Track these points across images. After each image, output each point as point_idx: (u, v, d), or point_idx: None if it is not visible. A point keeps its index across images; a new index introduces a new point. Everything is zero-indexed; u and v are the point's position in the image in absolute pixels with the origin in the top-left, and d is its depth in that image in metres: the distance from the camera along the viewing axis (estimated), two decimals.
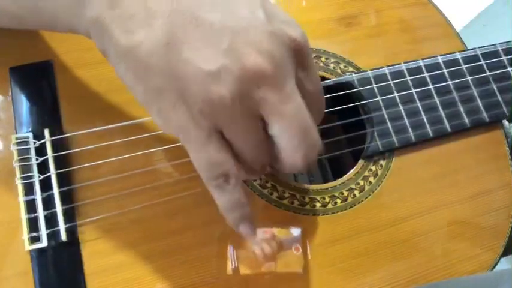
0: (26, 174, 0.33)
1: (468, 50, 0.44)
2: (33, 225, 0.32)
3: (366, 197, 0.37)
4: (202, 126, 0.25)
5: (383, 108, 0.40)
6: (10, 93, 0.35)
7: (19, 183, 0.33)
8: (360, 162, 0.39)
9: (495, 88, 0.42)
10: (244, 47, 0.24)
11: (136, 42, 0.24)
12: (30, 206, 0.32)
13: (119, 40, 0.24)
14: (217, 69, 0.24)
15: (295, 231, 0.35)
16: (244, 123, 0.25)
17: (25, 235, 0.32)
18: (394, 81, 0.41)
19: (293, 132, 0.26)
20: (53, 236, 0.32)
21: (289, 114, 0.25)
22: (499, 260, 0.37)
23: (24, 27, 0.31)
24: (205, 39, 0.24)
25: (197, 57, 0.24)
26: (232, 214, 0.28)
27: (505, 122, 0.42)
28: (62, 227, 0.32)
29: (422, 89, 0.41)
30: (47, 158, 0.33)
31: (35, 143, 0.34)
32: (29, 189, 0.33)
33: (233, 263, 0.33)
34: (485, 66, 0.42)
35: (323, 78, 0.41)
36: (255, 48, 0.24)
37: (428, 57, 0.42)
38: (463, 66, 0.42)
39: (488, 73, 0.42)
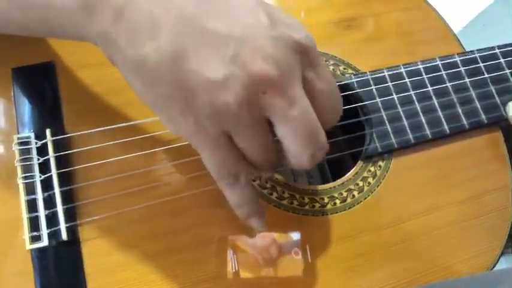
0: (27, 174, 0.33)
1: (466, 52, 0.44)
2: (34, 224, 0.32)
3: (365, 198, 0.38)
4: (210, 132, 0.26)
5: (382, 109, 0.40)
6: (12, 94, 0.36)
7: (20, 183, 0.33)
8: (359, 163, 0.39)
9: (493, 90, 0.42)
10: (249, 54, 0.25)
11: (143, 54, 0.24)
12: (31, 206, 0.33)
13: (125, 53, 0.25)
14: (223, 77, 0.24)
15: (295, 236, 0.35)
16: (251, 128, 0.26)
17: (26, 234, 0.32)
18: (393, 83, 0.41)
19: (299, 135, 0.26)
20: (53, 235, 0.32)
21: (296, 118, 0.26)
22: (498, 260, 0.37)
23: (32, 35, 0.32)
24: (211, 48, 0.24)
25: (203, 67, 0.24)
26: (243, 209, 0.30)
27: (508, 108, 0.42)
28: (62, 226, 0.32)
29: (421, 90, 0.41)
30: (49, 158, 0.34)
31: (36, 143, 0.34)
32: (30, 188, 0.33)
33: (233, 266, 0.33)
34: (483, 68, 0.43)
35: None
36: (259, 55, 0.25)
37: (427, 60, 0.42)
38: (462, 69, 0.43)
39: (486, 75, 0.43)
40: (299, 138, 0.26)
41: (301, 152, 0.27)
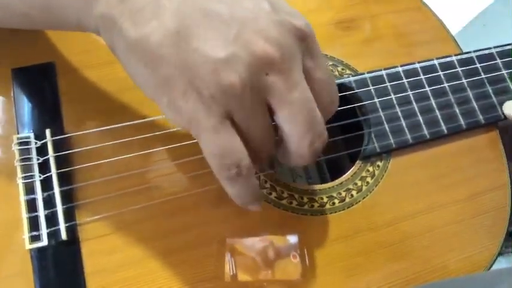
0: (27, 174, 0.33)
1: (463, 53, 0.44)
2: (33, 224, 0.32)
3: (364, 197, 0.38)
4: (213, 112, 0.25)
5: (380, 109, 0.40)
6: (12, 94, 0.36)
7: (20, 183, 0.33)
8: (358, 163, 0.39)
9: (490, 90, 0.43)
10: (252, 35, 0.25)
11: (146, 33, 0.25)
12: (31, 205, 0.33)
13: (128, 33, 0.25)
14: (226, 56, 0.24)
15: (292, 239, 0.35)
16: (253, 108, 0.26)
17: (25, 234, 0.32)
18: (391, 83, 0.41)
19: (300, 119, 0.26)
20: (53, 235, 0.32)
21: (296, 102, 0.26)
22: (496, 259, 0.37)
23: (34, 27, 0.32)
24: (214, 29, 0.25)
25: (206, 46, 0.24)
26: (243, 200, 0.29)
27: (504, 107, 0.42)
28: (62, 226, 0.32)
29: (419, 91, 0.41)
30: (48, 158, 0.34)
31: (36, 143, 0.34)
32: (30, 188, 0.33)
33: (231, 269, 0.33)
34: (480, 68, 0.43)
35: None
36: (262, 36, 0.25)
37: (425, 60, 0.43)
38: (459, 69, 0.43)
39: (483, 75, 0.43)
40: (299, 123, 0.26)
41: (300, 137, 0.27)
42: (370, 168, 0.39)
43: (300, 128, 0.27)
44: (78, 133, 0.35)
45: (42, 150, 0.34)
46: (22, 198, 0.33)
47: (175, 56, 0.25)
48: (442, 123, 0.41)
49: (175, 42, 0.24)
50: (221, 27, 0.25)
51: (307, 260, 0.34)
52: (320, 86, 0.28)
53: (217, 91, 0.25)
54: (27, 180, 0.33)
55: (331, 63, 0.42)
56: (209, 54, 0.24)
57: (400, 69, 0.42)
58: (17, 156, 0.33)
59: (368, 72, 0.41)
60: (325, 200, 0.37)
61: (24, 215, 0.32)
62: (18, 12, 0.30)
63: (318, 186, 0.38)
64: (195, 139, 0.27)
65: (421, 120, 0.40)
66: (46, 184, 0.33)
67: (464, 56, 0.44)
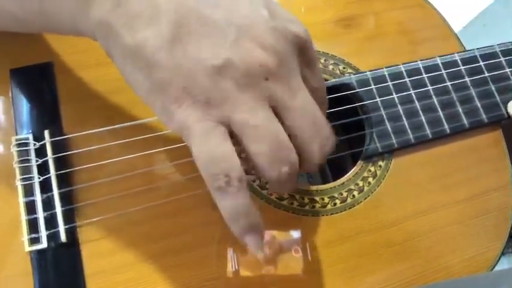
0: (26, 176, 0.33)
1: (466, 51, 0.44)
2: (33, 226, 0.32)
3: (365, 198, 0.37)
4: (207, 116, 0.25)
5: (382, 109, 0.40)
6: (10, 95, 0.36)
7: (19, 185, 0.33)
8: (359, 163, 0.39)
9: (493, 89, 0.42)
10: (248, 42, 0.25)
11: (142, 39, 0.24)
12: (30, 207, 0.32)
13: (124, 39, 0.25)
14: (222, 63, 0.24)
15: (295, 234, 0.35)
16: (254, 111, 0.25)
17: (25, 236, 0.32)
18: (393, 82, 0.41)
19: (306, 124, 0.26)
20: (52, 237, 0.32)
21: (299, 108, 0.26)
22: (499, 259, 0.37)
23: (30, 31, 0.32)
24: (210, 35, 0.25)
25: (202, 53, 0.24)
26: (237, 223, 0.25)
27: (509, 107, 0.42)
28: (61, 228, 0.32)
29: (421, 90, 0.41)
30: (47, 160, 0.33)
31: (35, 144, 0.34)
32: (28, 190, 0.33)
33: (233, 264, 0.33)
34: (483, 67, 0.43)
35: None
36: (259, 43, 0.25)
37: (427, 59, 0.42)
38: (462, 67, 0.42)
39: (486, 74, 0.42)
40: (306, 127, 0.26)
41: (310, 142, 0.27)
42: (372, 168, 0.39)
43: (308, 132, 0.26)
44: (77, 134, 0.35)
45: (41, 152, 0.34)
46: (21, 200, 0.32)
47: (170, 62, 0.24)
48: (445, 123, 0.40)
49: (171, 48, 0.24)
50: (217, 34, 0.25)
51: (309, 256, 0.34)
52: (315, 95, 0.28)
53: (212, 97, 0.24)
54: (26, 182, 0.33)
55: (332, 61, 0.42)
56: (205, 61, 0.24)
57: (402, 67, 0.41)
58: (16, 158, 0.33)
59: (370, 71, 0.41)
60: (327, 200, 0.37)
61: (24, 217, 0.32)
62: (14, 16, 0.29)
63: (319, 187, 0.37)
64: None
65: (424, 120, 0.40)
66: (45, 186, 0.33)
67: (467, 54, 0.43)
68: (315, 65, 0.28)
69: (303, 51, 0.27)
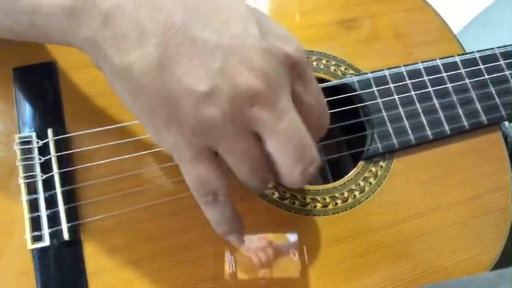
0: (29, 174, 0.33)
1: (466, 53, 0.44)
2: (35, 224, 0.32)
3: (366, 198, 0.38)
4: (192, 145, 0.25)
5: (383, 110, 0.40)
6: (14, 94, 0.36)
7: (22, 183, 0.33)
8: (360, 163, 0.39)
9: (493, 91, 0.43)
10: (236, 65, 0.24)
11: (130, 62, 0.24)
12: (33, 205, 0.32)
13: (112, 60, 0.25)
14: (208, 89, 0.24)
15: (292, 237, 0.35)
16: (237, 140, 0.25)
17: (28, 234, 0.32)
18: (394, 83, 0.41)
19: (289, 149, 0.26)
20: (55, 235, 0.32)
21: (284, 132, 0.25)
22: (498, 260, 0.37)
23: (24, 40, 0.32)
24: (198, 58, 0.24)
25: (189, 77, 0.24)
26: (221, 227, 0.29)
27: (506, 123, 0.43)
28: (64, 226, 0.32)
29: (422, 91, 0.41)
30: (50, 158, 0.34)
31: (38, 142, 0.34)
32: (31, 188, 0.33)
33: (231, 267, 0.33)
34: (483, 69, 0.43)
35: (323, 81, 0.41)
36: (247, 67, 0.24)
37: (428, 60, 0.43)
38: (462, 69, 0.43)
39: (486, 76, 0.43)
40: (289, 152, 0.26)
41: (292, 167, 0.26)
42: (373, 169, 0.39)
43: (289, 158, 0.26)
44: (80, 133, 0.35)
45: (44, 150, 0.34)
46: (24, 198, 0.32)
47: (157, 86, 0.24)
48: (445, 124, 0.41)
49: (158, 72, 0.24)
50: (205, 57, 0.24)
51: (306, 258, 0.34)
52: (309, 110, 0.27)
53: (197, 125, 0.24)
54: (29, 180, 0.33)
55: (334, 62, 0.42)
56: (191, 87, 0.24)
57: (403, 69, 0.42)
58: (19, 156, 0.33)
59: (371, 72, 0.41)
60: (328, 200, 0.37)
61: (26, 215, 0.32)
62: (5, 28, 0.29)
63: (320, 187, 0.38)
64: None
65: (424, 121, 0.40)
66: (48, 184, 0.33)
67: (467, 57, 0.43)
68: (310, 81, 0.28)
69: (295, 69, 0.26)
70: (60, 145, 0.34)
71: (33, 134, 0.34)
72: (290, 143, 0.26)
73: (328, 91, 0.38)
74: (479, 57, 0.43)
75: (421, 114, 0.40)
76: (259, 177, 0.27)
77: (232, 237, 0.30)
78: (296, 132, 0.26)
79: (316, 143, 0.28)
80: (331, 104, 0.39)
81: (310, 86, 0.28)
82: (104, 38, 0.25)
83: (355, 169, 0.39)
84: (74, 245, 0.32)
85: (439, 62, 0.43)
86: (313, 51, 0.42)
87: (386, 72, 0.41)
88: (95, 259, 0.32)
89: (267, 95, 0.25)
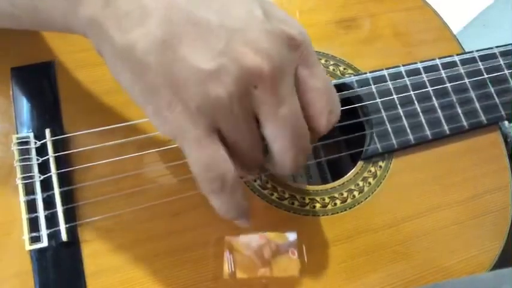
0: (26, 174, 0.33)
1: (466, 52, 0.44)
2: (33, 225, 0.32)
3: (366, 198, 0.38)
4: (199, 124, 0.25)
5: (382, 110, 0.40)
6: (11, 94, 0.36)
7: (20, 183, 0.33)
8: (360, 163, 0.39)
9: (493, 90, 0.42)
10: (241, 46, 0.24)
11: (132, 40, 0.24)
12: (31, 206, 0.32)
13: (114, 39, 0.24)
14: (215, 68, 0.24)
15: (291, 236, 0.35)
16: (241, 121, 0.25)
17: (25, 235, 0.32)
18: (393, 83, 0.41)
19: (285, 135, 0.26)
20: (53, 236, 0.32)
21: (283, 117, 0.25)
22: (497, 260, 0.37)
23: (22, 28, 0.31)
24: (202, 38, 0.24)
25: (194, 56, 0.24)
26: (227, 214, 0.28)
27: (505, 123, 0.43)
28: (62, 227, 0.32)
29: (421, 91, 0.41)
30: (48, 158, 0.33)
31: (35, 143, 0.34)
32: (29, 189, 0.33)
33: (230, 267, 0.33)
34: (483, 69, 0.43)
35: None
36: (252, 48, 0.24)
37: (427, 60, 0.43)
38: (461, 69, 0.43)
39: (485, 75, 0.43)
40: (284, 138, 0.26)
41: (284, 151, 0.27)
42: (372, 169, 0.39)
43: (284, 143, 0.26)
44: (78, 133, 0.35)
45: (41, 150, 0.34)
46: (22, 198, 0.32)
47: (161, 64, 0.24)
48: (444, 124, 0.41)
49: (161, 50, 0.24)
50: (210, 37, 0.24)
51: (305, 257, 0.34)
52: (315, 94, 0.27)
53: (203, 104, 0.24)
54: (27, 181, 0.33)
55: (332, 62, 0.42)
56: (196, 66, 0.24)
57: (402, 69, 0.42)
58: (17, 156, 0.33)
59: (370, 72, 0.41)
60: (327, 200, 0.37)
61: (24, 216, 0.32)
62: (6, 13, 0.29)
63: (319, 187, 0.38)
64: None
65: (423, 121, 0.40)
66: (46, 184, 0.33)
67: (466, 56, 0.43)
68: (314, 64, 0.27)
69: (300, 53, 0.26)
70: (58, 145, 0.34)
71: (31, 135, 0.34)
72: (286, 129, 0.26)
73: None
74: (479, 56, 0.43)
75: (420, 114, 0.40)
76: (255, 157, 0.27)
77: (240, 222, 0.29)
78: (293, 120, 0.26)
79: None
80: None
81: (315, 69, 0.27)
82: (105, 16, 0.24)
83: (354, 169, 0.39)
84: (73, 246, 0.32)
85: (438, 61, 0.43)
86: None
87: (386, 72, 0.41)
88: (94, 260, 0.32)
89: (270, 76, 0.24)
